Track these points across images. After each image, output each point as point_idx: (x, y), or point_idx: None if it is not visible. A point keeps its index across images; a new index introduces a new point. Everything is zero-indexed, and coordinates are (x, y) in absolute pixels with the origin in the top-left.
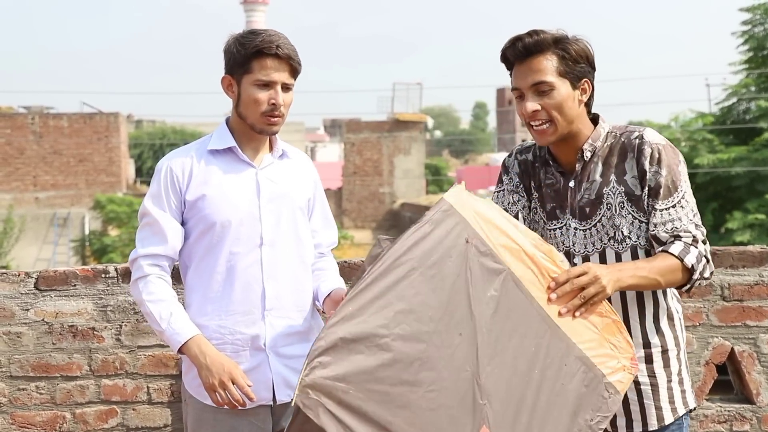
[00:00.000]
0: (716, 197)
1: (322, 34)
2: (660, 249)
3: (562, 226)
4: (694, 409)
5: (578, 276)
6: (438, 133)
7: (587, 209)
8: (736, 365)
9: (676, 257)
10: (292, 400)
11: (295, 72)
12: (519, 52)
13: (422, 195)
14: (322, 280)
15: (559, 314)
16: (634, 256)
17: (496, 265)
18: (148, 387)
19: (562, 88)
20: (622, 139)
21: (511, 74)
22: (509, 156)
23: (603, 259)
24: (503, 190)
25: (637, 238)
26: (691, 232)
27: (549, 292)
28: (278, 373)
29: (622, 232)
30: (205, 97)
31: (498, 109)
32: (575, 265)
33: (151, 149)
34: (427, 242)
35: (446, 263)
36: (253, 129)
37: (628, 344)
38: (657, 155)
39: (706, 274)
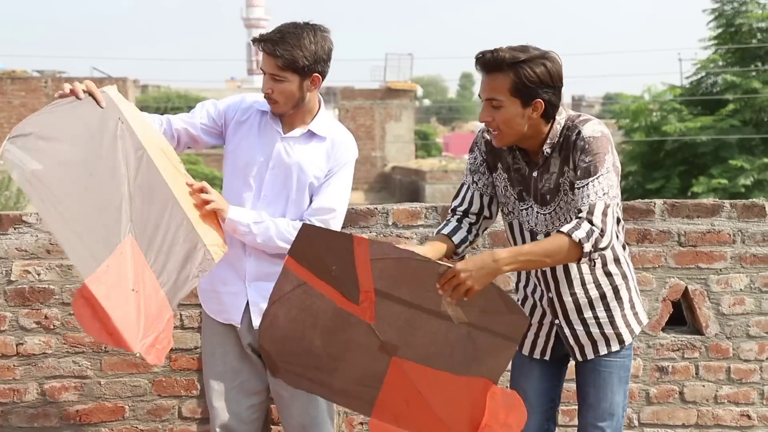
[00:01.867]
0: (683, 163)
1: (319, 3)
2: (556, 230)
3: (527, 208)
4: (648, 322)
5: (449, 278)
6: (427, 102)
7: (547, 196)
8: (689, 302)
9: (566, 234)
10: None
11: (282, 67)
12: (480, 67)
13: (411, 159)
14: None
15: (181, 196)
16: None
17: (138, 143)
18: (180, 314)
19: (512, 106)
20: (569, 134)
21: None
22: (478, 133)
23: None
24: (469, 171)
25: None
26: (589, 204)
27: (440, 290)
28: (254, 303)
29: (571, 216)
30: (208, 63)
31: None
32: (539, 239)
33: (156, 113)
34: (86, 108)
35: (103, 126)
36: None
37: (221, 231)
38: (587, 146)
39: (601, 245)
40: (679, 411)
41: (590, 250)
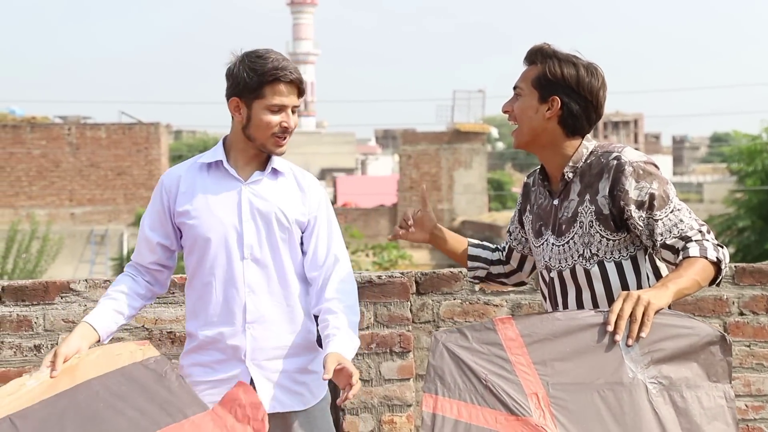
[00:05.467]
0: None
1: (373, 36)
2: (681, 258)
3: (543, 243)
4: None
5: (623, 299)
6: (501, 145)
7: (564, 226)
8: None
9: (699, 258)
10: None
11: (302, 94)
12: (524, 60)
13: (484, 212)
14: (325, 335)
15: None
16: (602, 270)
17: None
18: None
19: (529, 97)
20: (602, 160)
21: None
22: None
23: (574, 275)
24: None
25: (604, 254)
26: (695, 228)
27: (611, 328)
28: (259, 385)
29: (590, 249)
30: None
31: None
32: (552, 278)
33: None
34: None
35: None
36: (262, 149)
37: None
38: (641, 172)
39: (727, 260)
40: None
41: (725, 267)
